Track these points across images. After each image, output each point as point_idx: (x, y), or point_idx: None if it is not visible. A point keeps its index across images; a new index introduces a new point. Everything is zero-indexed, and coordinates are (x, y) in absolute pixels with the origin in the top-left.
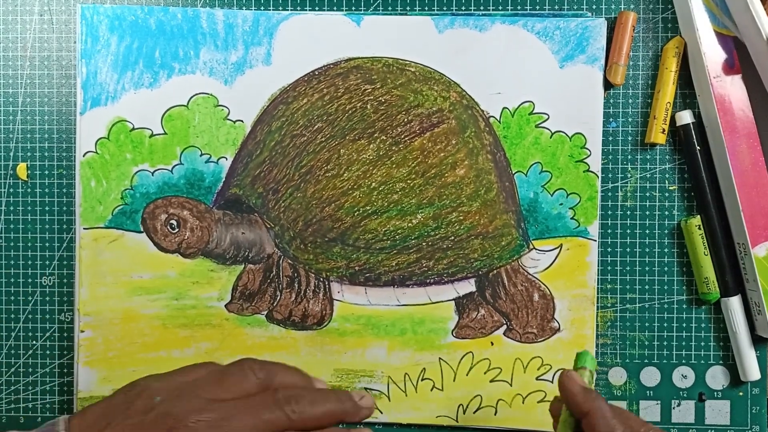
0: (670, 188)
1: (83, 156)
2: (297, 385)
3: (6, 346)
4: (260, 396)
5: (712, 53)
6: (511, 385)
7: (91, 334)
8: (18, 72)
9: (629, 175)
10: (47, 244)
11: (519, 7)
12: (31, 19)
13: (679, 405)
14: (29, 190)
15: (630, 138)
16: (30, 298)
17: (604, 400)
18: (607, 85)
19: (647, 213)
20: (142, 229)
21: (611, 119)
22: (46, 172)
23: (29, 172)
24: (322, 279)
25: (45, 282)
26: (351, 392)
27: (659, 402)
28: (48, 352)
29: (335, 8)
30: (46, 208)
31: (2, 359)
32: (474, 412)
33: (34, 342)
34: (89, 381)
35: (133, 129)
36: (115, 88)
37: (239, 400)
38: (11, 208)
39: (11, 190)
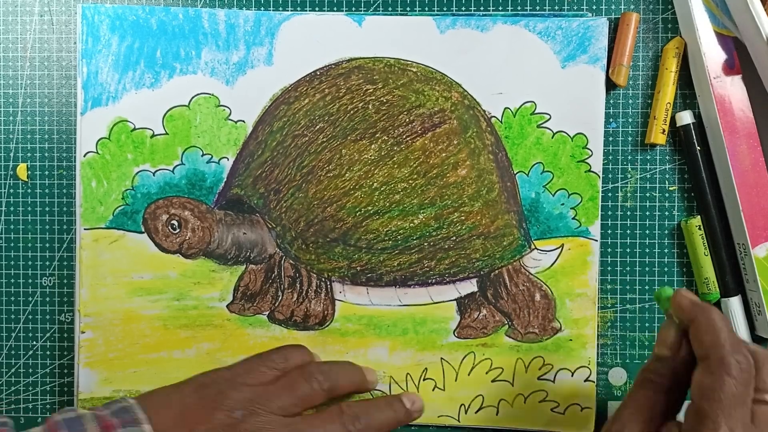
0: (670, 189)
1: (84, 156)
2: (358, 391)
3: (6, 347)
4: (328, 414)
5: (712, 53)
6: (512, 385)
7: (91, 335)
8: (18, 72)
9: (629, 176)
10: (47, 245)
11: (519, 8)
12: (31, 19)
13: None
14: (29, 190)
15: (630, 138)
16: (30, 299)
17: (713, 310)
18: (608, 85)
19: (647, 213)
20: (143, 230)
21: (611, 120)
22: (47, 172)
23: (29, 172)
24: (323, 279)
25: (45, 282)
26: (403, 397)
27: None
28: (48, 352)
29: (335, 9)
30: (47, 209)
31: (2, 360)
32: (476, 412)
33: (35, 342)
34: (90, 382)
35: (134, 129)
36: (116, 88)
37: (311, 418)
38: (11, 208)
39: (11, 190)
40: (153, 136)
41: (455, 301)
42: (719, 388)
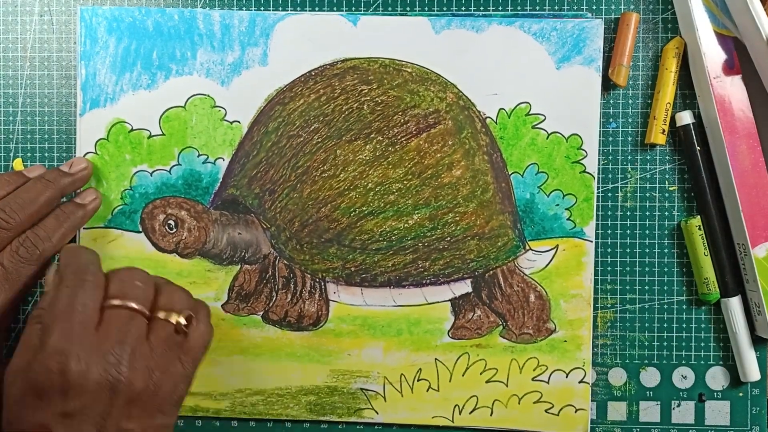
0: (670, 189)
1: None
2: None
3: (7, 347)
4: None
5: (712, 54)
6: (507, 385)
7: None
8: (18, 73)
9: (629, 176)
10: None
11: (519, 8)
12: (31, 19)
13: (679, 405)
14: None
15: (630, 138)
16: (30, 299)
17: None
18: (608, 85)
19: (647, 213)
20: (140, 230)
21: (611, 120)
22: None
23: None
24: (318, 280)
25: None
26: (77, 197)
27: (659, 402)
28: None
29: (335, 8)
30: None
31: (3, 360)
32: (470, 413)
33: None
34: None
35: (132, 130)
36: (114, 89)
37: None
38: None
39: None
40: (150, 136)
41: (450, 302)
42: (53, 299)
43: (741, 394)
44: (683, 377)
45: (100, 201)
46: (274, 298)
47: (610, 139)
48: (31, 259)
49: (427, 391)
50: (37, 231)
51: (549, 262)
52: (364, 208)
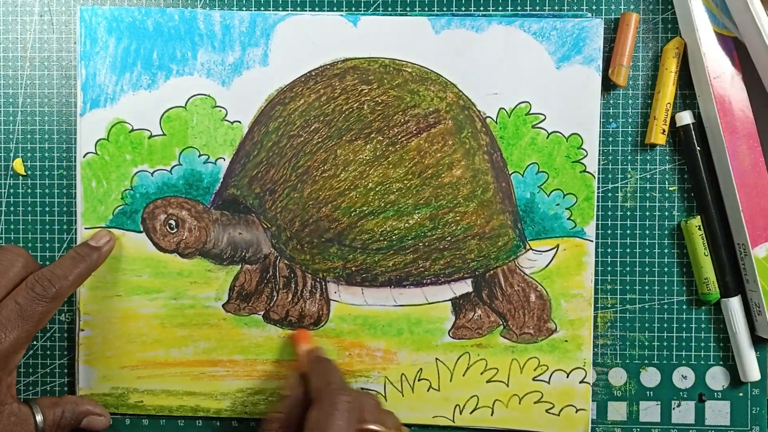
0: (670, 189)
1: (83, 157)
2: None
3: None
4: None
5: (712, 54)
6: (507, 385)
7: (90, 333)
8: (18, 73)
9: (629, 176)
10: (47, 245)
11: (519, 8)
12: (31, 19)
13: (679, 405)
14: (29, 190)
15: (630, 138)
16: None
17: (327, 361)
18: (608, 86)
19: (647, 213)
20: (141, 229)
21: (611, 120)
22: (47, 172)
23: (29, 172)
24: (318, 279)
25: None
26: (90, 240)
27: (659, 402)
28: (48, 352)
29: (335, 9)
30: (47, 209)
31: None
32: (470, 413)
33: (35, 342)
34: (89, 378)
35: (133, 130)
36: (114, 89)
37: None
38: (11, 208)
39: (11, 190)
40: (151, 137)
41: (450, 302)
42: (327, 421)
43: (741, 394)
44: (683, 377)
45: (114, 243)
46: (275, 298)
47: (610, 139)
48: (47, 297)
49: (428, 390)
50: (54, 270)
51: (549, 262)
52: (365, 208)
